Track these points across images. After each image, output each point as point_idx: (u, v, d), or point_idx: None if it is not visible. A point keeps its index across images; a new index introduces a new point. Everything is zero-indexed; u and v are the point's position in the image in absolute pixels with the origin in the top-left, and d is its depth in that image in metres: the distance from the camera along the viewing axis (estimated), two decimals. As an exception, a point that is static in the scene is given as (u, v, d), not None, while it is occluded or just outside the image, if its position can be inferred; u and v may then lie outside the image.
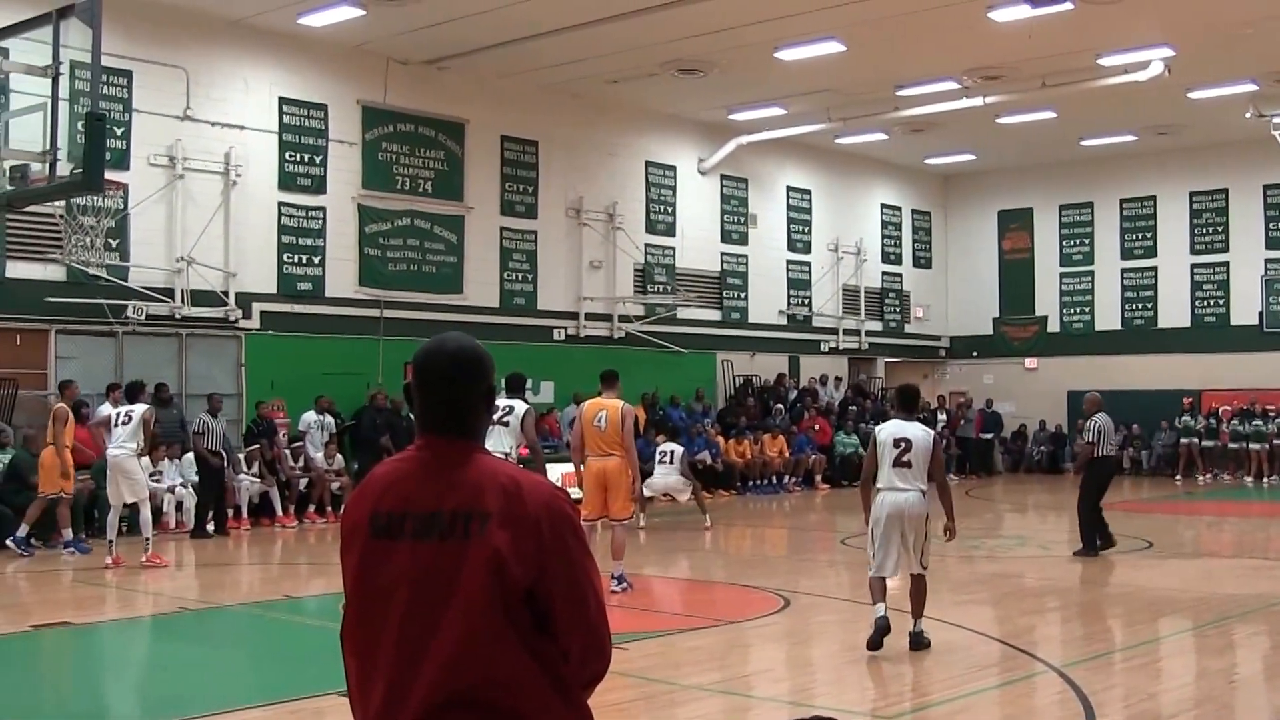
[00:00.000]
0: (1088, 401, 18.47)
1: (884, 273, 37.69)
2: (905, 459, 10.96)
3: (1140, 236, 36.57)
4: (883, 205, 37.73)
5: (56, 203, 18.63)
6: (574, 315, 28.98)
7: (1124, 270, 36.79)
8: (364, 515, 3.45)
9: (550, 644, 3.34)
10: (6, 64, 15.13)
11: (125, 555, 16.59)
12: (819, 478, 30.75)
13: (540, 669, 3.31)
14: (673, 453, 23.08)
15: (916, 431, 11.13)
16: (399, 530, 3.38)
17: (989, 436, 36.46)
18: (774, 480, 29.66)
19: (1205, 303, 35.51)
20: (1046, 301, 37.98)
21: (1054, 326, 37.79)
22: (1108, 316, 36.93)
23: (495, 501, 3.32)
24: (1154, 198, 36.32)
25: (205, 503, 20.41)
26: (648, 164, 31.00)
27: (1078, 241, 37.64)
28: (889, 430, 11.14)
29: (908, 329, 38.39)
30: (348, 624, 3.48)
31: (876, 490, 11.07)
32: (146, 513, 16.94)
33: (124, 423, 16.92)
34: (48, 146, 14.33)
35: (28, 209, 19.00)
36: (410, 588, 3.33)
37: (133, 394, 17.74)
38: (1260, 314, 34.29)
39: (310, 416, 23.22)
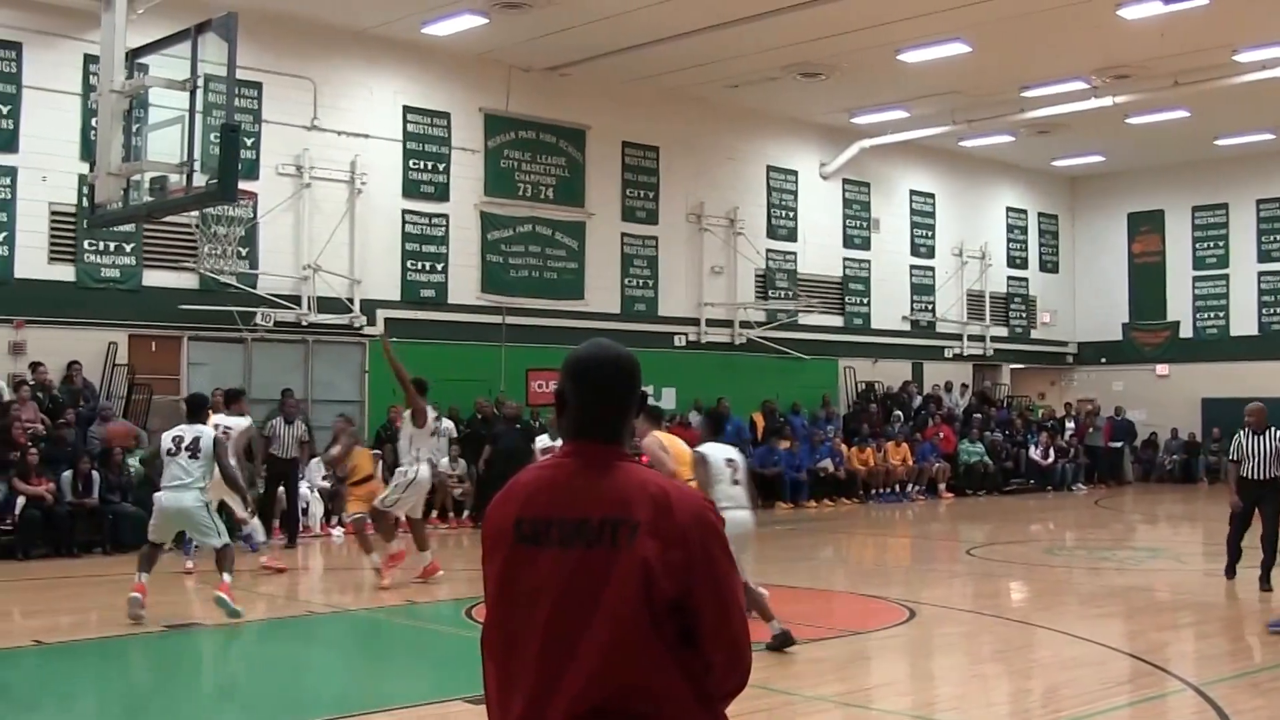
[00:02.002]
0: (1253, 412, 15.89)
1: (1009, 277, 37.46)
2: (737, 478, 11.58)
3: (1279, 238, 36.18)
4: (1008, 209, 37.54)
5: (191, 213, 19.29)
6: (695, 321, 29.21)
7: (1261, 273, 36.24)
8: (509, 521, 3.45)
9: (694, 656, 3.32)
10: (147, 79, 15.72)
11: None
12: (943, 486, 30.59)
13: (684, 680, 3.30)
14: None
15: (736, 452, 11.86)
16: (545, 537, 3.37)
17: (1119, 445, 36.00)
18: (897, 489, 29.62)
19: (1348, 306, 34.97)
20: (1179, 306, 37.54)
21: (1186, 332, 37.31)
22: (1243, 321, 36.39)
23: (645, 511, 3.31)
24: (1293, 198, 35.86)
25: (269, 511, 20.07)
26: (769, 168, 31.17)
27: (1212, 244, 37.15)
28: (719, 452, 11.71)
29: (1034, 334, 38.15)
30: (490, 629, 3.49)
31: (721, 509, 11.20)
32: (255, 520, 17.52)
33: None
34: (185, 158, 14.83)
35: (164, 219, 19.67)
36: (555, 595, 3.32)
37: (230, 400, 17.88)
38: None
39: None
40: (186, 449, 13.26)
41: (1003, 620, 13.55)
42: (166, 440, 13.40)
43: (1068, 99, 28.31)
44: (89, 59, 19.94)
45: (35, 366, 20.38)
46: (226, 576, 12.97)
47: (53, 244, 21.10)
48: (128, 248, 21.54)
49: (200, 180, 14.81)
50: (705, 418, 12.90)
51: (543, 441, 13.40)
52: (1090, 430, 35.65)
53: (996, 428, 33.50)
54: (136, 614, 12.59)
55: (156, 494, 13.41)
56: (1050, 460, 33.29)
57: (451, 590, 14.17)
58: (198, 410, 14.11)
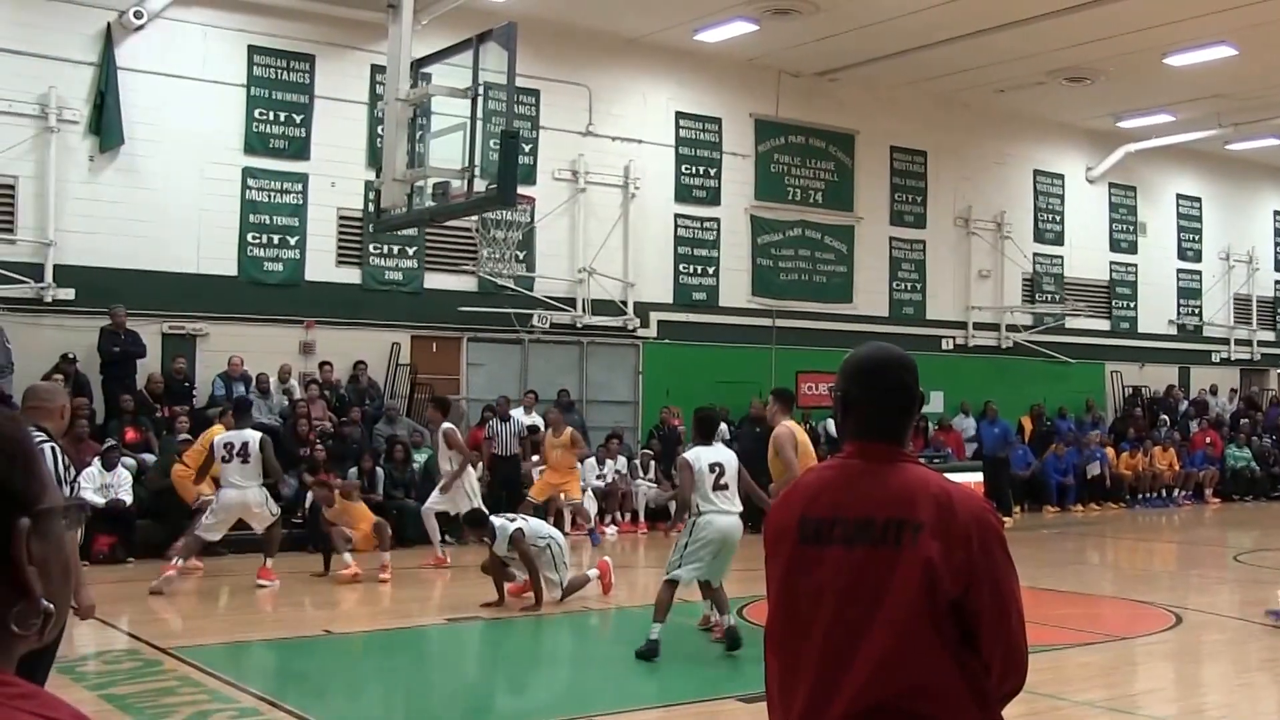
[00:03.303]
0: None
1: (1277, 281, 35.53)
2: (723, 482, 11.19)
3: None
4: (1276, 212, 35.66)
5: (471, 217, 19.05)
6: (962, 325, 28.51)
7: None
8: (792, 520, 3.41)
9: (974, 657, 3.24)
10: (430, 88, 15.66)
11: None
12: (1209, 491, 29.22)
13: (965, 681, 3.21)
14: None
15: (726, 455, 11.47)
16: (828, 536, 3.33)
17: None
18: (1163, 493, 28.41)
19: None
20: None
21: None
22: None
23: (928, 512, 3.25)
24: None
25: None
26: (1035, 172, 30.23)
27: None
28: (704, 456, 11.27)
29: (1303, 338, 36.01)
30: (772, 627, 3.45)
31: (700, 512, 11.12)
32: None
33: None
34: (466, 164, 14.85)
35: (445, 223, 19.58)
36: (839, 594, 3.28)
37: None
38: None
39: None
40: (238, 454, 14.12)
41: (1271, 628, 12.65)
42: (219, 448, 14.22)
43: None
44: (375, 69, 19.95)
45: (323, 366, 20.57)
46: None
47: (340, 248, 21.24)
48: (410, 251, 21.56)
49: (480, 185, 14.80)
50: (694, 420, 11.98)
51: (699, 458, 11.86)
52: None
53: (1264, 433, 31.71)
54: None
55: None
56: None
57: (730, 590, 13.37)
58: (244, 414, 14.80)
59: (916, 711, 3.18)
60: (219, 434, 15.40)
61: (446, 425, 17.01)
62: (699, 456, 11.23)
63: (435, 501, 16.81)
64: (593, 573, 14.42)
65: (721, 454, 11.43)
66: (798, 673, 3.32)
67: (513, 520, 13.46)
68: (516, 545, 13.25)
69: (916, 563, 3.20)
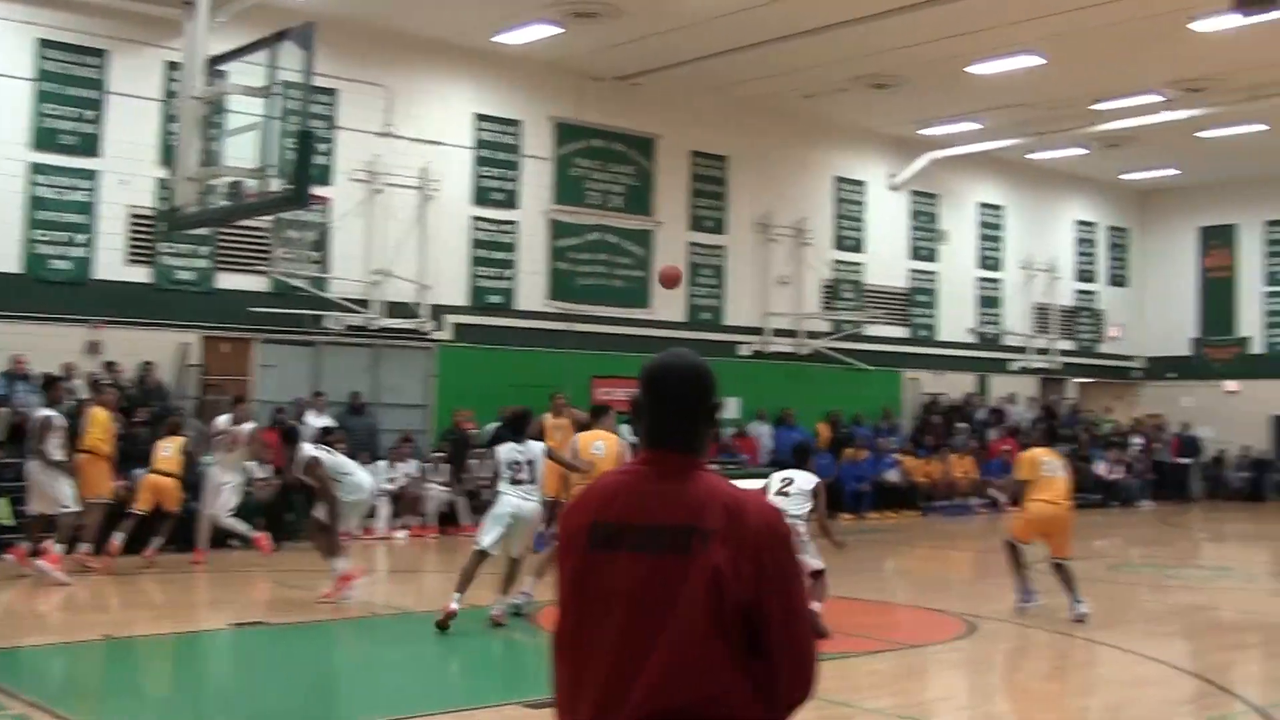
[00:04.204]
0: None
1: (1077, 291, 37.34)
2: (521, 476, 13.19)
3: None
4: (1077, 222, 37.43)
5: (266, 217, 19.62)
6: (760, 331, 29.28)
7: (1334, 290, 36.06)
8: (583, 525, 3.50)
9: (762, 665, 3.34)
10: (226, 86, 16.10)
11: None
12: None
13: (753, 688, 3.32)
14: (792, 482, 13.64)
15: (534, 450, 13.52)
16: (618, 542, 3.41)
17: (1186, 461, 35.77)
18: (960, 501, 29.61)
19: None
20: (1250, 322, 37.23)
21: (1257, 348, 36.96)
22: (1315, 338, 36.22)
23: (718, 519, 3.34)
24: (1368, 213, 35.54)
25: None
26: (837, 179, 31.26)
27: (1285, 259, 37.02)
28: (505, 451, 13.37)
29: (1101, 349, 38.00)
30: (560, 632, 3.53)
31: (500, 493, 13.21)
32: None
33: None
34: (261, 163, 15.25)
35: (239, 223, 20.04)
36: (627, 601, 3.36)
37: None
38: None
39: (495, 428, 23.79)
40: None
41: (1065, 636, 13.45)
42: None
43: (1140, 112, 28.15)
44: (171, 66, 20.28)
45: (110, 366, 20.69)
46: None
47: (131, 246, 21.43)
48: (203, 251, 21.86)
49: (275, 185, 15.27)
50: (504, 418, 14.34)
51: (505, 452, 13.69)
52: (1157, 446, 35.55)
53: (1062, 442, 33.20)
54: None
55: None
56: (1116, 476, 33.17)
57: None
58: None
59: (705, 718, 3.28)
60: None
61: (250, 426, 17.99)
62: (502, 451, 13.27)
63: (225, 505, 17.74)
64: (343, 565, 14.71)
65: (531, 449, 13.34)
66: (585, 679, 3.40)
67: (319, 448, 14.29)
68: (311, 471, 14.22)
69: (706, 570, 3.29)
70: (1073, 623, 13.79)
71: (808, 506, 12.76)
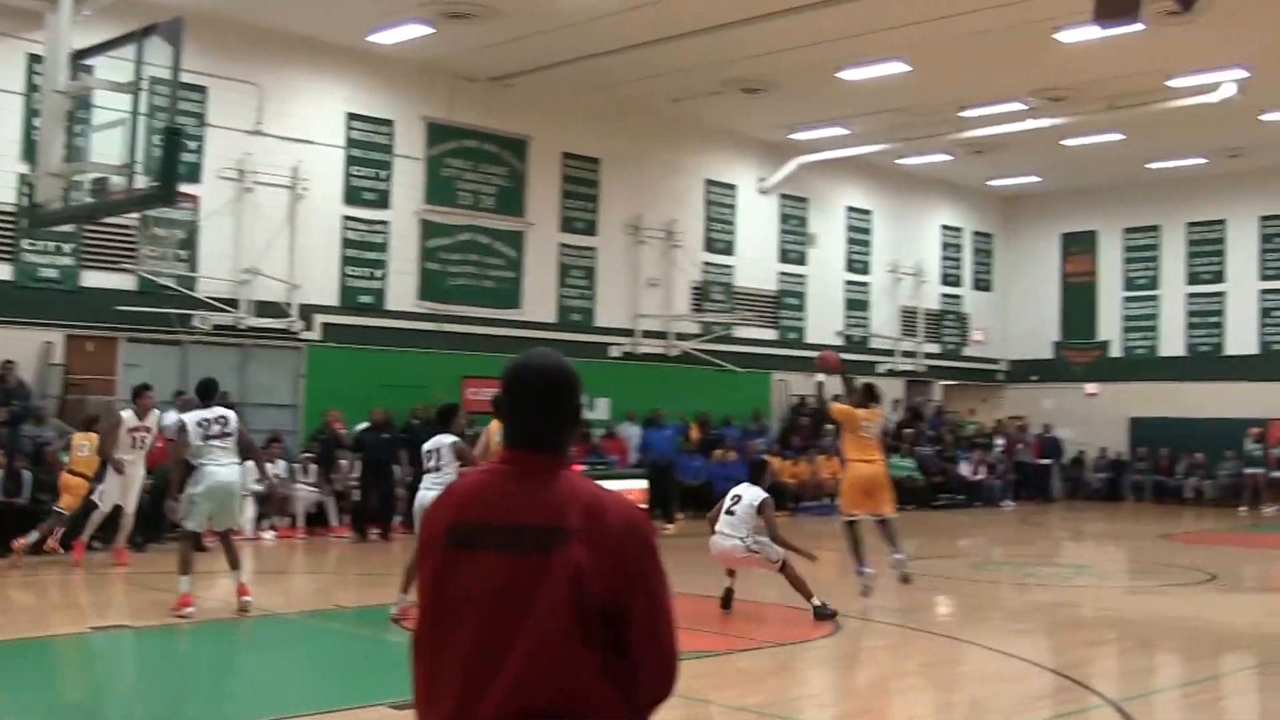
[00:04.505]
0: None
1: (943, 295, 37.91)
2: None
3: (1208, 261, 36.55)
4: (943, 227, 38.02)
5: (132, 214, 19.35)
6: (630, 332, 29.39)
7: (1189, 295, 36.76)
8: (443, 525, 3.48)
9: (623, 664, 3.35)
10: (91, 80, 15.84)
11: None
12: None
13: (613, 688, 3.33)
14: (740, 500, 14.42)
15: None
16: (478, 541, 3.40)
17: (1047, 462, 36.45)
18: (828, 501, 29.55)
19: (1275, 329, 35.39)
20: (1109, 326, 38.08)
21: (1116, 352, 37.84)
22: (1172, 342, 36.92)
23: (579, 519, 3.33)
24: (1223, 222, 36.25)
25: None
26: (708, 182, 31.47)
27: (1142, 265, 37.68)
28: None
29: (966, 352, 38.59)
30: (420, 632, 3.51)
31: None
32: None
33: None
34: (127, 160, 14.95)
35: (104, 220, 19.71)
36: (486, 600, 3.35)
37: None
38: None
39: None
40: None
41: (928, 634, 13.70)
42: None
43: (1005, 120, 28.62)
44: (33, 59, 19.86)
45: None
46: None
47: None
48: (67, 248, 21.52)
49: (141, 182, 15.00)
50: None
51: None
52: (1019, 447, 36.19)
53: (927, 443, 33.93)
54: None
55: None
56: (980, 476, 33.74)
57: (379, 595, 14.27)
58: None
59: (564, 718, 3.28)
60: None
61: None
62: (190, 419, 13.63)
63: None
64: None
65: (439, 440, 13.42)
66: (444, 679, 3.38)
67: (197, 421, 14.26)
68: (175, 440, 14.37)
69: (566, 570, 3.28)
70: (891, 569, 14.95)
71: (752, 524, 13.91)
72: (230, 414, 13.93)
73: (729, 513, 13.97)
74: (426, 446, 13.62)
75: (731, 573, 14.30)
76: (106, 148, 15.32)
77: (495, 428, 14.08)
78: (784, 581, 14.03)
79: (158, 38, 14.67)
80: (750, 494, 14.00)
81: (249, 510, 21.13)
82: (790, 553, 14.06)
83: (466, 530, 3.44)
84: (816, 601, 13.76)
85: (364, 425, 22.86)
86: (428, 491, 13.02)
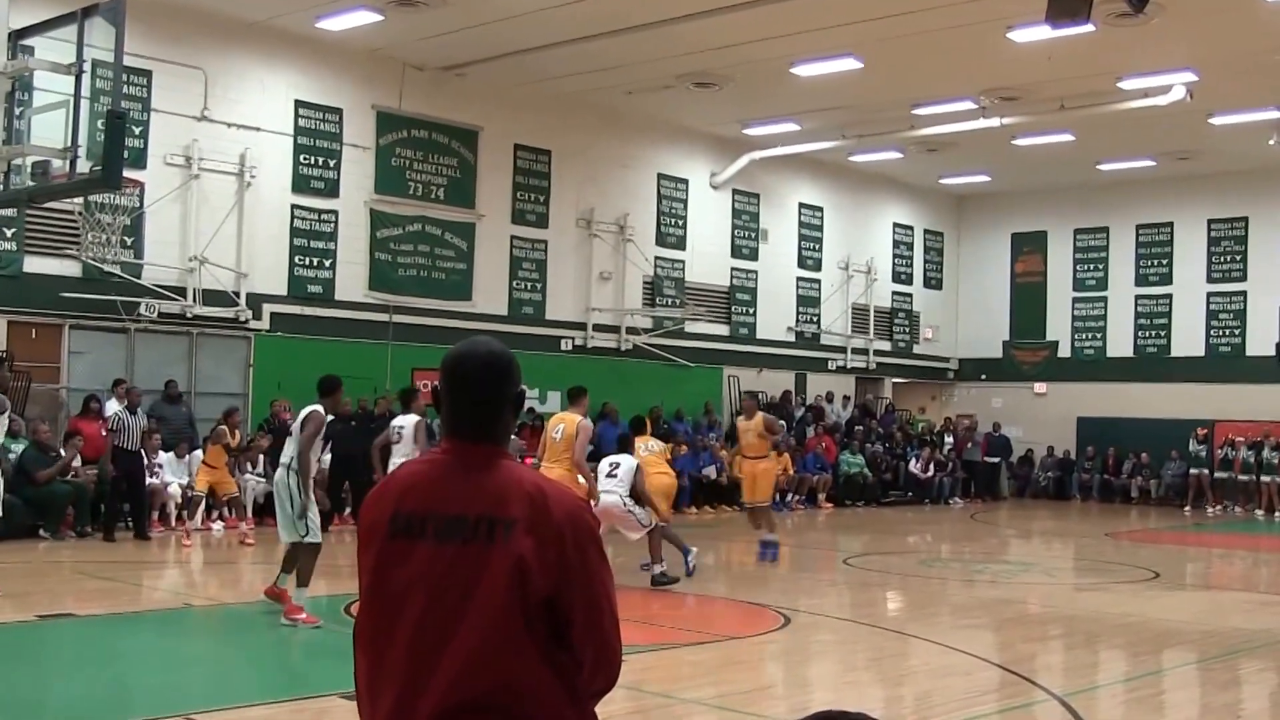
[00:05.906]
0: None
1: (894, 292, 37.93)
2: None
3: (1156, 263, 36.68)
4: (895, 224, 38.00)
5: (75, 199, 19.00)
6: (582, 326, 29.31)
7: (1138, 297, 36.90)
8: (383, 515, 3.46)
9: (566, 654, 3.36)
10: (31, 61, 15.48)
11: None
12: (822, 496, 30.87)
13: (555, 678, 3.33)
14: (619, 466, 16.26)
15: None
16: (419, 531, 3.39)
17: (995, 460, 36.56)
18: (777, 497, 29.63)
19: (1221, 332, 35.52)
20: (1058, 326, 38.19)
21: (1065, 352, 37.96)
22: (1120, 343, 37.05)
23: (520, 509, 3.33)
24: (1171, 224, 36.35)
25: (115, 504, 19.85)
26: (660, 176, 31.33)
27: (1091, 266, 37.82)
28: None
29: (916, 349, 38.62)
30: (362, 623, 3.50)
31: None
32: None
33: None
34: (69, 143, 14.63)
35: (46, 205, 19.39)
36: (428, 590, 3.34)
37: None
38: (1277, 345, 33.15)
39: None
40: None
41: (877, 629, 13.78)
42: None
43: (956, 118, 28.65)
44: (-28, 39, 19.50)
45: None
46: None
47: None
48: (8, 233, 21.20)
49: (84, 167, 14.53)
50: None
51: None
52: (968, 445, 36.23)
53: (877, 440, 33.92)
54: None
55: None
56: (929, 474, 33.73)
57: (330, 586, 14.06)
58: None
59: (506, 708, 3.27)
60: None
61: None
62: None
63: None
64: None
65: (405, 420, 15.82)
66: (387, 670, 3.37)
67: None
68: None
69: (508, 560, 3.28)
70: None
71: (629, 484, 15.79)
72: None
73: (610, 475, 15.84)
74: (394, 423, 15.85)
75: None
76: (48, 131, 14.82)
77: (551, 422, 16.26)
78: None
79: (99, 18, 14.33)
80: (628, 462, 16.04)
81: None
82: (654, 518, 16.07)
83: (408, 520, 3.42)
84: (659, 569, 15.91)
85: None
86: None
